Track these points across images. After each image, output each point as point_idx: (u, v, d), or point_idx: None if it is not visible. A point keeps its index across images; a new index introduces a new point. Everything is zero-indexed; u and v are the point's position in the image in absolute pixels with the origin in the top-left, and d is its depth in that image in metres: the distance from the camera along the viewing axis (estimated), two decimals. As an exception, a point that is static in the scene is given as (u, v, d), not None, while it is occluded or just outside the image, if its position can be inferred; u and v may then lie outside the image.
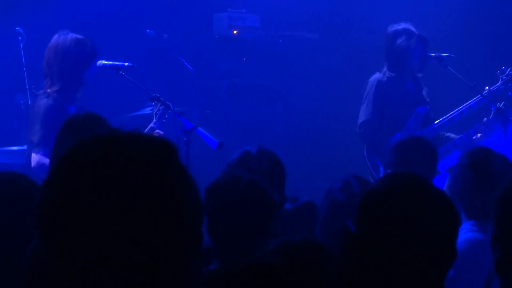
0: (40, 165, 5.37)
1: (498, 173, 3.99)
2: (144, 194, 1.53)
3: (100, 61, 5.90)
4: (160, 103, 5.86)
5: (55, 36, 5.77)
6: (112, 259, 1.51)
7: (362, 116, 6.96)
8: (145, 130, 5.79)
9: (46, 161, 5.31)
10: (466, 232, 4.04)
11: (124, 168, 1.53)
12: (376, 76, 7.07)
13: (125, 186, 1.52)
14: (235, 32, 8.28)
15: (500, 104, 6.74)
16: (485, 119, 6.74)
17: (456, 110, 6.92)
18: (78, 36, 5.76)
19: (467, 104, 6.89)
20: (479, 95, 6.82)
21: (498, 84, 6.89)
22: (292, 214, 4.13)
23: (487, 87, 6.88)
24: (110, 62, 5.96)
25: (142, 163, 1.54)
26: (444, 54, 6.95)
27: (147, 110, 6.59)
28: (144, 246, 1.53)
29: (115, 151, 1.55)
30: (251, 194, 3.21)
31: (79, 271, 1.52)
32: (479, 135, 6.68)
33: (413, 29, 7.00)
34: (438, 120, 6.94)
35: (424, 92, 7.09)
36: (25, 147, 5.99)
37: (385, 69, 7.05)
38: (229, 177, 3.29)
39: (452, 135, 6.89)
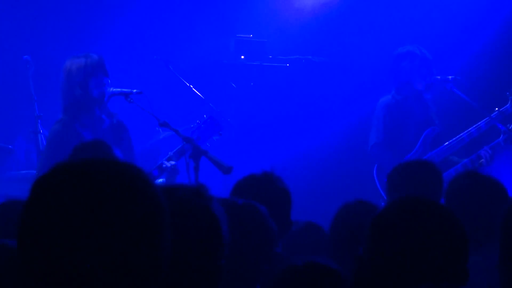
0: None
1: (485, 199, 3.92)
2: (107, 217, 1.60)
3: (109, 89, 5.93)
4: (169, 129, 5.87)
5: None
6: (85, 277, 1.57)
7: (372, 138, 6.98)
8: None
9: None
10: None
11: (89, 193, 1.61)
12: (385, 98, 7.09)
13: (90, 209, 1.60)
14: (242, 57, 8.30)
15: (510, 126, 6.72)
16: (493, 142, 6.71)
17: (465, 131, 6.89)
18: (78, 57, 5.81)
19: (476, 125, 6.86)
20: (488, 117, 6.79)
21: (508, 105, 6.86)
22: (296, 236, 4.09)
23: (496, 108, 6.85)
24: (119, 89, 5.98)
25: (107, 188, 1.62)
26: (450, 77, 6.95)
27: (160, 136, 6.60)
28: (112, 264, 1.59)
29: (81, 177, 1.63)
30: (246, 218, 3.14)
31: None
32: (486, 158, 6.63)
33: (417, 51, 7.02)
34: (447, 142, 6.91)
35: (432, 114, 7.08)
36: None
37: (393, 91, 7.07)
38: (225, 201, 3.23)
39: (458, 159, 6.83)
